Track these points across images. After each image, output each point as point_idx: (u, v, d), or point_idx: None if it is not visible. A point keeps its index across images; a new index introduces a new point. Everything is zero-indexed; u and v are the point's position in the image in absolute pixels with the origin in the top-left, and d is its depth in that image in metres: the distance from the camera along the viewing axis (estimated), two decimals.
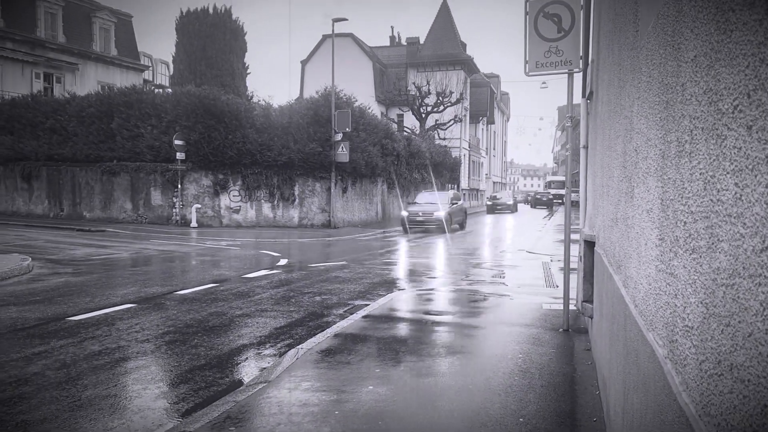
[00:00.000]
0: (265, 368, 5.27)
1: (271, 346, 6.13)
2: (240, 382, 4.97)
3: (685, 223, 1.56)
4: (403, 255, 15.07)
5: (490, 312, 7.66)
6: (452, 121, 44.66)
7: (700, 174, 1.41)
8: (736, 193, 1.15)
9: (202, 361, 5.53)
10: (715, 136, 1.29)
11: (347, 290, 9.55)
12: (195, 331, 6.66)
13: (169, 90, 30.11)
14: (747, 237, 1.08)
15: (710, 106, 1.33)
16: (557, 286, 10.15)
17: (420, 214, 23.11)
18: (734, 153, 1.16)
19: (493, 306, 8.08)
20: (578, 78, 6.60)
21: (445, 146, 43.63)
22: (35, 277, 10.31)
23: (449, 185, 44.94)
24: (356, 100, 26.90)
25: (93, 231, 21.08)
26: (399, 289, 9.47)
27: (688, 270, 1.51)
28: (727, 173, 1.20)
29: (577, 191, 7.49)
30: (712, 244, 1.30)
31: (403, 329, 6.55)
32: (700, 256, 1.40)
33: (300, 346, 5.75)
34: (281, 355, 5.69)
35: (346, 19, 25.54)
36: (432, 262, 13.79)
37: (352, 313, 7.53)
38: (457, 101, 44.46)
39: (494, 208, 44.01)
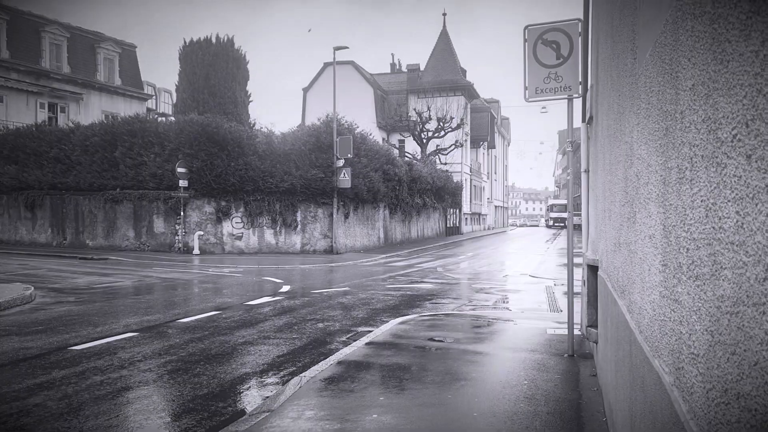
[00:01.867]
0: (267, 397, 5.23)
1: (274, 375, 6.08)
2: (243, 412, 4.93)
3: (687, 249, 1.56)
4: (405, 280, 15.02)
5: (494, 337, 7.60)
6: (453, 146, 44.89)
7: (702, 201, 1.42)
8: (737, 221, 1.15)
9: (204, 390, 5.49)
10: (715, 164, 1.30)
11: (350, 317, 9.51)
12: (197, 359, 6.62)
13: (172, 118, 30.36)
14: (750, 265, 1.08)
15: (709, 134, 1.35)
16: (561, 311, 10.09)
17: None
18: (734, 181, 1.17)
19: (497, 331, 8.03)
20: (578, 103, 6.65)
21: (447, 171, 43.80)
22: (38, 306, 10.28)
23: (450, 209, 45.08)
24: (357, 127, 27.10)
25: (95, 259, 21.07)
26: (402, 315, 9.42)
27: (692, 297, 1.51)
28: (728, 201, 1.21)
29: (579, 215, 7.49)
30: (716, 271, 1.30)
31: (406, 356, 6.50)
32: (704, 283, 1.40)
33: (303, 374, 5.71)
34: (284, 383, 5.64)
35: (347, 47, 25.86)
36: (435, 287, 13.74)
37: (355, 340, 7.49)
38: (458, 126, 44.74)
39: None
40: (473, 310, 10.33)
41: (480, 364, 6.17)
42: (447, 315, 9.52)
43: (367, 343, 7.15)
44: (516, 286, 14.16)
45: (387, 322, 8.82)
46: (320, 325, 8.78)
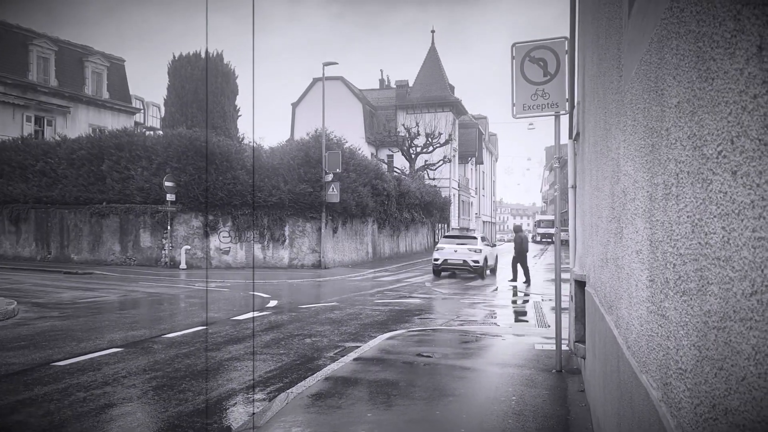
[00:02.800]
0: (254, 413, 5.17)
1: (261, 391, 6.02)
2: (229, 429, 4.87)
3: (674, 265, 1.57)
4: (393, 295, 14.98)
5: (482, 353, 7.59)
6: (441, 162, 45.09)
7: (688, 217, 1.43)
8: (723, 236, 1.16)
9: (189, 406, 5.42)
10: (701, 180, 1.31)
11: (338, 332, 9.45)
12: (183, 375, 6.54)
13: (161, 132, 30.27)
14: (736, 280, 1.09)
15: (695, 150, 1.36)
16: (549, 326, 10.10)
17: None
18: (720, 197, 1.18)
19: (486, 347, 8.02)
20: (565, 120, 6.72)
21: (435, 186, 43.92)
22: (21, 321, 10.13)
23: (439, 224, 45.18)
24: (346, 142, 27.15)
25: (80, 274, 20.84)
26: (390, 331, 9.38)
27: (680, 312, 1.52)
28: (714, 217, 1.22)
29: (567, 230, 7.54)
30: (702, 286, 1.31)
31: (394, 372, 6.47)
32: (691, 299, 1.41)
33: (290, 390, 5.66)
34: (271, 399, 5.58)
35: (336, 63, 26.02)
36: (423, 302, 13.71)
37: (342, 356, 7.44)
38: (446, 142, 44.97)
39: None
40: (461, 325, 10.32)
41: (468, 380, 6.15)
42: (435, 330, 9.50)
43: (355, 359, 7.11)
44: (504, 302, 14.17)
45: (375, 337, 8.78)
46: (308, 340, 8.72)
